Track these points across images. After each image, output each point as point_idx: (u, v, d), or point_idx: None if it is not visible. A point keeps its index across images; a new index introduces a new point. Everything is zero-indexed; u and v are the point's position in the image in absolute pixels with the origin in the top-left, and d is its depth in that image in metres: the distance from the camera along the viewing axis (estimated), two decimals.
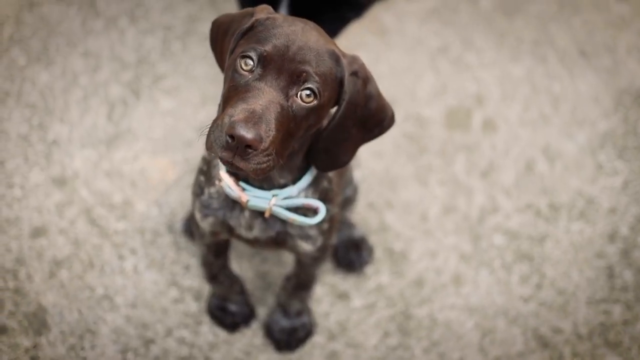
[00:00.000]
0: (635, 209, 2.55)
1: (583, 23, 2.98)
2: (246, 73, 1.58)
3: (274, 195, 1.76)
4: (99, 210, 2.45)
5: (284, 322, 2.25)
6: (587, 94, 2.79)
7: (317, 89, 1.58)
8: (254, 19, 1.63)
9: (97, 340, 2.25)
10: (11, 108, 2.62)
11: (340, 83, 1.63)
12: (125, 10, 2.88)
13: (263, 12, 1.65)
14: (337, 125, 1.65)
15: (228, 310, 2.26)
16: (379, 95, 1.69)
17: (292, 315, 2.24)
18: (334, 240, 2.05)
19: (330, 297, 2.36)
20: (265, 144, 1.53)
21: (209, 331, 2.28)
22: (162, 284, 2.34)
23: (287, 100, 1.57)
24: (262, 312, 2.33)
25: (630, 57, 2.89)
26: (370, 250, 2.42)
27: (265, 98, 1.54)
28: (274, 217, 1.81)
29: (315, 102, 1.58)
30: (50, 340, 2.24)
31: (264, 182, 1.75)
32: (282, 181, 1.76)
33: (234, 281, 2.22)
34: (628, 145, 2.68)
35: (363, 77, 1.64)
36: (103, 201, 2.46)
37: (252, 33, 1.62)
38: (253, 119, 1.52)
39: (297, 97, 1.58)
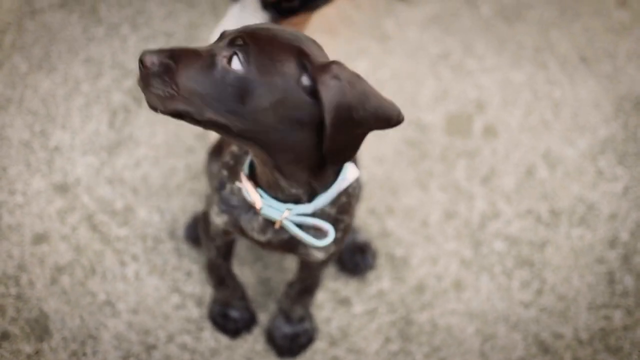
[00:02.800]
0: (635, 215, 2.55)
1: (583, 29, 2.99)
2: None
3: (287, 209, 1.71)
4: (100, 216, 2.46)
5: (286, 328, 2.25)
6: (588, 100, 2.80)
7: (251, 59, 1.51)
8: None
9: (99, 346, 2.25)
10: (13, 115, 2.63)
11: (312, 94, 1.52)
12: (126, 17, 2.89)
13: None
14: (334, 136, 1.53)
15: (230, 316, 2.27)
16: (377, 94, 1.57)
17: (295, 322, 2.24)
18: (342, 246, 2.04)
19: (332, 302, 2.37)
20: (155, 65, 1.51)
21: (211, 337, 2.28)
22: (163, 290, 2.35)
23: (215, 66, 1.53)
24: (263, 318, 2.33)
25: (631, 64, 2.90)
26: (374, 254, 2.42)
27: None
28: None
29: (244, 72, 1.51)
30: (52, 346, 2.24)
31: (278, 191, 1.70)
32: (293, 191, 1.69)
33: (237, 286, 2.23)
34: (628, 151, 2.68)
35: (348, 79, 1.50)
36: (105, 208, 2.47)
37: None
38: (163, 50, 1.52)
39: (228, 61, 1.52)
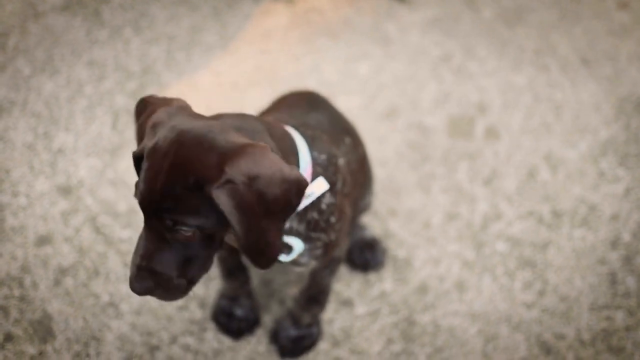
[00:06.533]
0: (637, 216, 2.56)
1: (584, 32, 3.00)
2: None
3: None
4: (103, 218, 2.46)
5: (292, 331, 2.25)
6: (589, 102, 2.81)
7: (191, 225, 1.51)
8: (138, 149, 1.57)
9: (102, 347, 2.25)
10: (16, 117, 2.64)
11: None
12: (129, 20, 2.90)
13: (152, 128, 1.55)
14: (246, 231, 1.50)
15: (234, 315, 2.27)
16: (274, 182, 1.49)
17: (302, 327, 2.25)
18: (342, 251, 2.03)
19: (334, 303, 2.37)
20: (161, 287, 1.58)
21: (214, 338, 2.29)
22: None
23: (168, 242, 1.55)
24: (266, 319, 2.33)
25: (631, 66, 2.91)
26: (384, 251, 2.43)
27: (148, 247, 1.55)
28: None
29: (198, 232, 1.53)
30: (56, 347, 2.25)
31: None
32: None
33: (246, 279, 2.23)
34: (630, 152, 2.69)
35: (242, 179, 1.46)
36: (108, 209, 2.48)
37: (143, 160, 1.56)
38: (139, 273, 1.56)
39: (176, 236, 1.53)
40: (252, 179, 1.46)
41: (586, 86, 2.85)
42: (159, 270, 1.56)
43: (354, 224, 2.34)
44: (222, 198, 1.46)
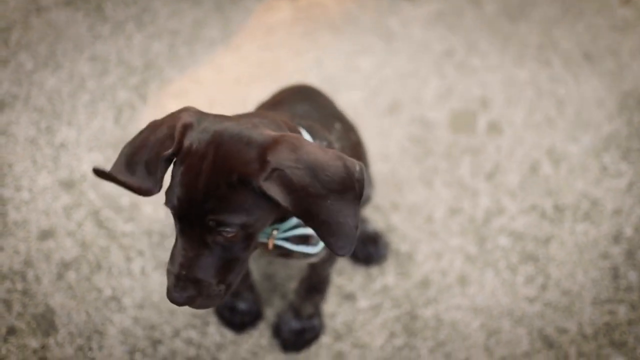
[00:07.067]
0: (639, 210, 2.55)
1: (587, 27, 3.00)
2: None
3: (274, 229, 1.74)
4: (106, 212, 2.46)
5: (294, 324, 2.26)
6: (592, 97, 2.81)
7: (235, 224, 1.50)
8: (173, 148, 1.53)
9: (104, 341, 2.26)
10: (19, 112, 2.64)
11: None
12: (132, 15, 2.90)
13: (183, 131, 1.54)
14: (305, 213, 1.50)
15: (237, 309, 2.27)
16: (322, 159, 1.50)
17: (303, 318, 2.25)
18: None
19: (337, 297, 2.37)
20: (202, 295, 1.57)
21: (216, 332, 2.29)
22: None
23: (209, 246, 1.54)
24: (268, 313, 2.34)
25: (634, 61, 2.90)
26: (386, 244, 2.43)
27: (187, 255, 1.54)
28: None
29: (241, 231, 1.53)
30: (59, 341, 2.25)
31: None
32: None
33: (248, 272, 2.23)
34: (632, 147, 2.69)
35: (288, 164, 1.47)
36: (110, 204, 2.48)
37: (174, 165, 1.55)
38: (179, 282, 1.54)
39: (218, 238, 1.53)
40: (297, 161, 1.48)
41: (589, 81, 2.85)
42: (200, 277, 1.55)
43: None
44: (272, 188, 1.47)
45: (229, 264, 1.57)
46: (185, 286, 1.55)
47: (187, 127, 1.53)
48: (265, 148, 1.49)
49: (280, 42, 2.92)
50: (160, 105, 2.69)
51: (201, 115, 1.56)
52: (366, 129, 2.67)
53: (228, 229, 1.50)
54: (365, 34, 2.94)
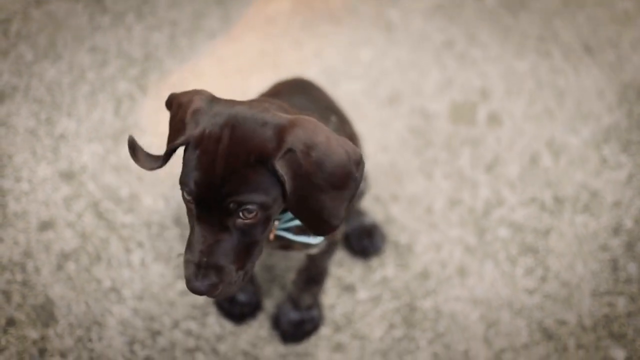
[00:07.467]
0: (639, 202, 2.55)
1: (587, 18, 2.99)
2: (189, 204, 1.56)
3: (275, 220, 1.73)
4: (106, 203, 2.46)
5: (293, 315, 2.26)
6: (592, 89, 2.80)
7: (256, 203, 1.51)
8: (185, 136, 1.54)
9: (104, 332, 2.26)
10: (19, 103, 2.64)
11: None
12: (132, 6, 2.89)
13: (193, 116, 1.55)
14: (298, 199, 1.53)
15: (236, 299, 2.28)
16: (332, 151, 1.53)
17: (303, 309, 2.26)
18: (340, 235, 2.04)
19: (336, 289, 2.37)
20: (224, 282, 1.55)
21: (216, 323, 2.29)
22: (168, 277, 2.36)
23: (229, 231, 1.54)
24: (267, 304, 2.34)
25: (634, 52, 2.90)
26: (382, 237, 2.43)
27: (207, 242, 1.53)
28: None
29: (260, 212, 1.53)
30: (58, 332, 2.25)
31: None
32: None
33: None
34: (632, 139, 2.68)
35: (301, 148, 1.49)
36: (110, 195, 2.48)
37: (187, 151, 1.55)
38: (200, 270, 1.53)
39: (238, 222, 1.53)
40: (309, 147, 1.50)
41: (589, 73, 2.85)
42: (222, 263, 1.54)
43: (351, 210, 2.35)
44: (284, 168, 1.49)
45: (248, 249, 1.57)
46: (206, 274, 1.54)
47: (197, 112, 1.54)
48: (283, 128, 1.50)
49: (280, 33, 2.92)
50: (160, 96, 2.69)
51: (213, 98, 1.57)
52: (366, 120, 2.67)
53: (250, 207, 1.50)
54: (365, 25, 2.94)
